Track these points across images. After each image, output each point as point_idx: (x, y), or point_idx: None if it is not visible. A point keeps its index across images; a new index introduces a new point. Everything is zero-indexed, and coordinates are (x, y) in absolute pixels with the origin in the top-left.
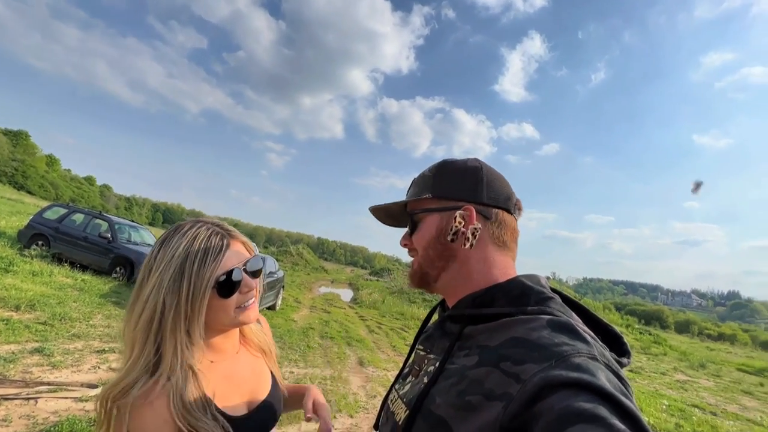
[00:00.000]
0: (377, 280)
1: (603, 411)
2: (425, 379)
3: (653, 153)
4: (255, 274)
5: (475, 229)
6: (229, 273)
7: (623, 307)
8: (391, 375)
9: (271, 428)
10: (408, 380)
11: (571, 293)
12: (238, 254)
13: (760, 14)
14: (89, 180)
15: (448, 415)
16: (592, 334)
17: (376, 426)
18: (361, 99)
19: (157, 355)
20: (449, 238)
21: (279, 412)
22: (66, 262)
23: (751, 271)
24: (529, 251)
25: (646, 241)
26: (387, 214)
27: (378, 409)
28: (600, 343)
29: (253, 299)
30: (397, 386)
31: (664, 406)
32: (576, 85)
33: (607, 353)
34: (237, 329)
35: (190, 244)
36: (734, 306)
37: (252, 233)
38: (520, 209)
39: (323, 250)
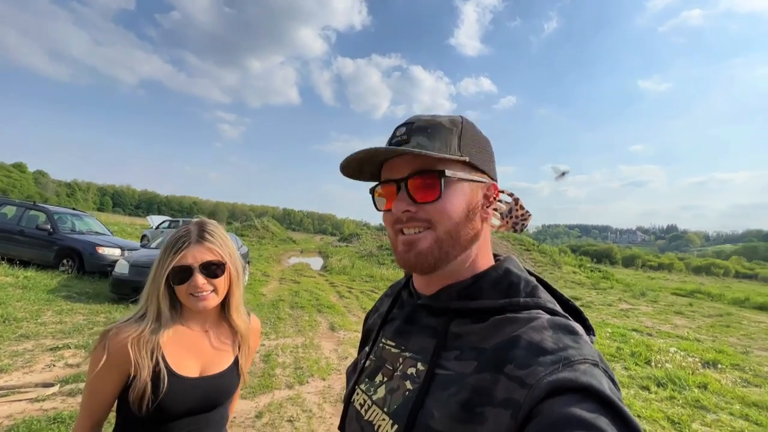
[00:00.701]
0: (347, 246)
1: (603, 422)
2: (408, 385)
3: (603, 100)
4: (210, 274)
5: (510, 209)
6: (180, 267)
7: (578, 248)
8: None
9: (217, 402)
10: (378, 380)
11: (529, 241)
12: (195, 255)
13: None
14: (19, 167)
15: (452, 430)
16: (581, 328)
17: (341, 427)
18: (314, 60)
19: (148, 311)
20: (478, 215)
21: (228, 392)
22: (4, 260)
23: (687, 206)
24: None
25: (598, 185)
26: (368, 160)
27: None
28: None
29: (205, 293)
30: (363, 386)
31: (608, 333)
32: (530, 36)
33: (594, 344)
34: (207, 313)
35: (172, 237)
36: (672, 238)
37: (213, 210)
38: None
39: (290, 220)
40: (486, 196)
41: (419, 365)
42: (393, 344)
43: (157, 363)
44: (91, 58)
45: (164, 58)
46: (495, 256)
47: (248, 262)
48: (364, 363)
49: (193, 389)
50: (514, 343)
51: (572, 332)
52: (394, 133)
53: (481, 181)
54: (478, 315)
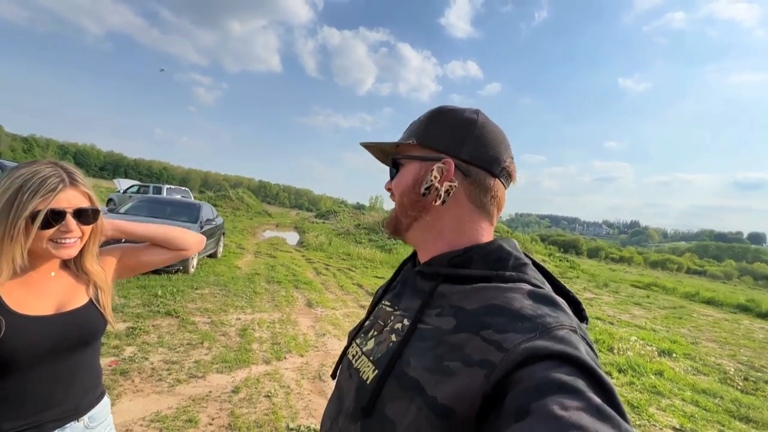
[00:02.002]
0: (323, 223)
1: (581, 384)
2: (393, 337)
3: (584, 95)
4: (83, 221)
5: (450, 186)
6: (52, 212)
7: (547, 238)
8: (340, 314)
9: (80, 340)
10: (370, 335)
11: (503, 228)
12: (72, 198)
13: None
14: None
15: (423, 378)
16: (565, 303)
17: (333, 375)
18: (299, 27)
19: None
20: (422, 191)
21: (91, 329)
22: None
23: (650, 203)
24: None
25: (572, 178)
26: (382, 151)
27: (337, 358)
28: (570, 310)
29: (72, 240)
30: (358, 341)
31: None
32: (520, 23)
33: (581, 324)
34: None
35: (29, 177)
36: (634, 233)
37: (184, 177)
38: (509, 175)
39: (266, 193)
40: (440, 170)
41: (405, 321)
42: (389, 304)
43: None
44: (51, 1)
45: (135, 9)
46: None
47: (223, 234)
48: (364, 322)
49: (46, 326)
50: (494, 308)
51: (552, 303)
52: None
53: (434, 159)
54: (465, 281)
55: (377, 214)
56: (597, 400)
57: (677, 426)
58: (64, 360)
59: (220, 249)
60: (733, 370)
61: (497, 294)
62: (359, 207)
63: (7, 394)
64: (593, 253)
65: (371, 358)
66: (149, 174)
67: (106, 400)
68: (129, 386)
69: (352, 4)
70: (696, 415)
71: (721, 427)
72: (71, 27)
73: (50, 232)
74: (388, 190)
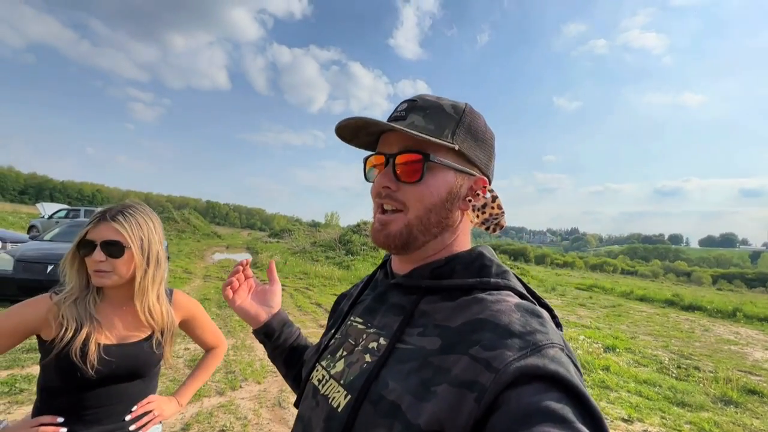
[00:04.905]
0: (278, 242)
1: (569, 413)
2: (367, 357)
3: (525, 112)
4: (109, 253)
5: (484, 205)
6: (84, 241)
7: (497, 247)
8: None
9: (133, 372)
10: (338, 355)
11: None
12: (101, 233)
13: None
14: None
15: (405, 402)
16: (548, 314)
17: (296, 404)
18: (247, 44)
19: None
20: (458, 205)
21: (144, 363)
22: None
23: (587, 211)
24: None
25: (516, 190)
26: (364, 129)
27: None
28: (553, 323)
29: (103, 270)
30: (324, 362)
31: None
32: (464, 45)
33: (562, 336)
34: (119, 293)
35: (97, 211)
36: (574, 239)
37: (122, 199)
38: None
39: (214, 214)
40: (472, 189)
41: (381, 340)
42: (360, 321)
43: (80, 327)
44: None
45: (62, 20)
46: None
47: (168, 258)
48: (328, 342)
49: (106, 354)
50: (481, 324)
51: (539, 316)
52: (396, 107)
53: (470, 173)
54: (448, 293)
55: (333, 230)
56: (584, 430)
57: (625, 417)
58: (114, 385)
59: (166, 274)
60: (667, 359)
61: (482, 308)
62: (314, 224)
63: (63, 407)
64: (540, 260)
65: (341, 381)
66: (80, 197)
67: (157, 428)
68: None
69: (302, 23)
70: (640, 405)
71: (663, 414)
72: None
73: (89, 260)
74: (387, 189)
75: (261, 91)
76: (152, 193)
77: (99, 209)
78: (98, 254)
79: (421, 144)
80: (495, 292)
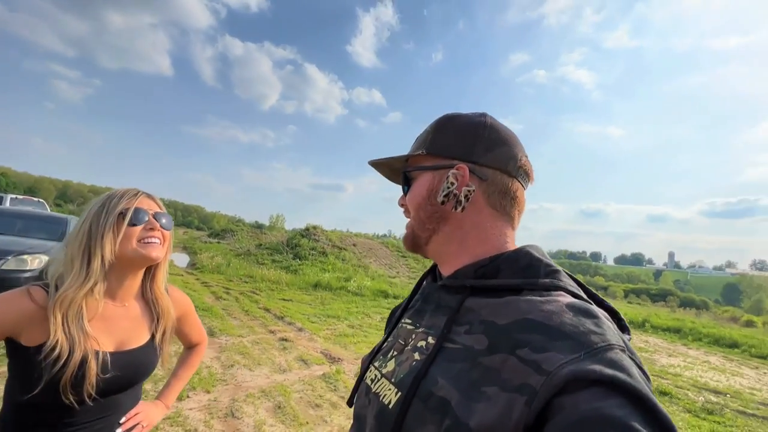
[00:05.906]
0: (219, 243)
1: (634, 421)
2: (416, 356)
3: None
4: (162, 224)
5: (468, 191)
6: (137, 209)
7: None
8: (248, 341)
9: (133, 380)
10: (390, 356)
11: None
12: (150, 204)
13: (548, 27)
14: None
15: (454, 399)
16: (606, 315)
17: (350, 403)
18: (196, 32)
19: (89, 268)
20: (440, 199)
21: (145, 370)
22: None
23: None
24: (370, 213)
25: None
26: (391, 169)
27: (250, 391)
28: (613, 323)
29: (156, 240)
30: (377, 363)
31: None
32: (420, 61)
33: (626, 339)
34: (131, 285)
35: (112, 192)
36: None
37: (32, 187)
38: (527, 174)
39: None
40: (456, 177)
41: (429, 339)
42: (409, 322)
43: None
44: None
45: None
46: None
47: None
48: (382, 344)
49: (109, 367)
50: (530, 324)
51: (594, 316)
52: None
53: (446, 167)
54: (494, 292)
55: (279, 233)
56: None
57: None
58: (109, 397)
59: None
60: None
61: (531, 307)
62: (259, 226)
63: (56, 423)
64: None
65: (392, 379)
66: None
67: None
68: None
69: (258, 18)
70: None
71: None
72: None
73: (137, 231)
74: (402, 206)
75: (208, 82)
76: (72, 182)
77: (114, 190)
78: (153, 222)
79: (401, 163)
80: (545, 292)
